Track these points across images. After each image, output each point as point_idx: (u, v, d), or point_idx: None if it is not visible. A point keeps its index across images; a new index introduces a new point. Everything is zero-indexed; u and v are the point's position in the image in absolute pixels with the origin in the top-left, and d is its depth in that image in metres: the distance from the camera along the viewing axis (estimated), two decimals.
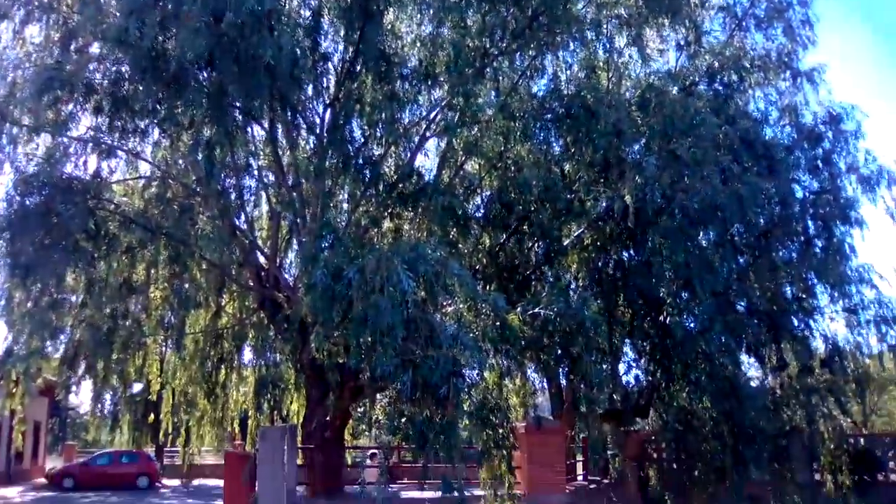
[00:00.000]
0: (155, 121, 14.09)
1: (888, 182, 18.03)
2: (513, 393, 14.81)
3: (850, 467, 18.23)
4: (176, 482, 31.52)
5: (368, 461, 17.47)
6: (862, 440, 21.30)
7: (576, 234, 15.43)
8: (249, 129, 14.96)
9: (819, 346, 17.61)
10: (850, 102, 17.62)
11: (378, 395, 12.29)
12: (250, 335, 19.21)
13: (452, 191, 13.46)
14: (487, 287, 12.76)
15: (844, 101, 17.59)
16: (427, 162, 16.27)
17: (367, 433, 21.10)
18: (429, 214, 13.28)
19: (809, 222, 17.44)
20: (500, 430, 12.71)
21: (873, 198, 18.22)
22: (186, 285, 16.97)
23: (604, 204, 13.45)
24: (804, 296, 17.71)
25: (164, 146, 15.39)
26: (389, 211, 14.17)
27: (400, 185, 13.72)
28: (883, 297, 17.88)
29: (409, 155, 14.63)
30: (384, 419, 12.37)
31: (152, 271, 17.12)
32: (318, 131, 14.53)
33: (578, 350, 11.78)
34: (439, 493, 13.70)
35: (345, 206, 14.58)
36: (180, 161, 14.93)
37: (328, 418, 13.92)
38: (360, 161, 13.57)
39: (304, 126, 14.99)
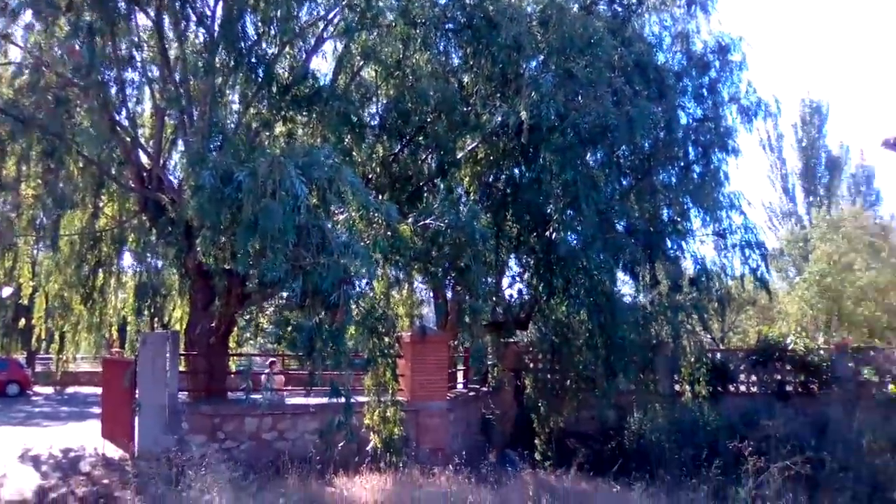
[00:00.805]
0: (27, 0, 12.81)
1: (765, 114, 18.94)
2: (399, 303, 15.00)
3: (706, 379, 19.78)
4: (49, 390, 30.44)
5: (268, 369, 17.41)
6: (718, 354, 23.10)
7: (470, 147, 15.45)
8: (134, 18, 13.89)
9: (689, 266, 18.77)
10: (739, 34, 18.22)
11: (265, 302, 12.13)
12: (131, 238, 18.39)
13: (349, 97, 13.05)
14: (380, 196, 12.65)
15: (733, 33, 18.16)
16: (323, 65, 15.68)
17: (251, 341, 20.87)
18: (324, 120, 12.89)
19: (690, 148, 18.17)
20: (387, 339, 12.95)
21: (750, 128, 19.17)
22: (61, 183, 15.94)
23: (499, 119, 13.46)
24: (679, 219, 18.64)
25: (38, 30, 14.05)
26: (283, 114, 13.65)
27: (294, 88, 13.16)
28: (749, 223, 19.14)
29: (304, 56, 14.03)
30: (269, 326, 12.32)
31: (24, 166, 15.97)
32: (208, 25, 13.63)
33: (467, 262, 11.95)
34: (325, 400, 13.92)
35: (235, 106, 13.91)
36: (56, 48, 13.69)
37: (213, 325, 13.66)
38: (253, 59, 12.89)
39: (194, 18, 14.00)
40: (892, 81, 62.07)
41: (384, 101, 15.03)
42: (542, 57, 13.96)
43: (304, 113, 13.51)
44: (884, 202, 39.07)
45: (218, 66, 12.36)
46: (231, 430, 13.37)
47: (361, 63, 14.78)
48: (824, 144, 41.26)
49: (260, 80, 13.16)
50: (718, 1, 18.21)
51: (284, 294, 10.06)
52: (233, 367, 18.02)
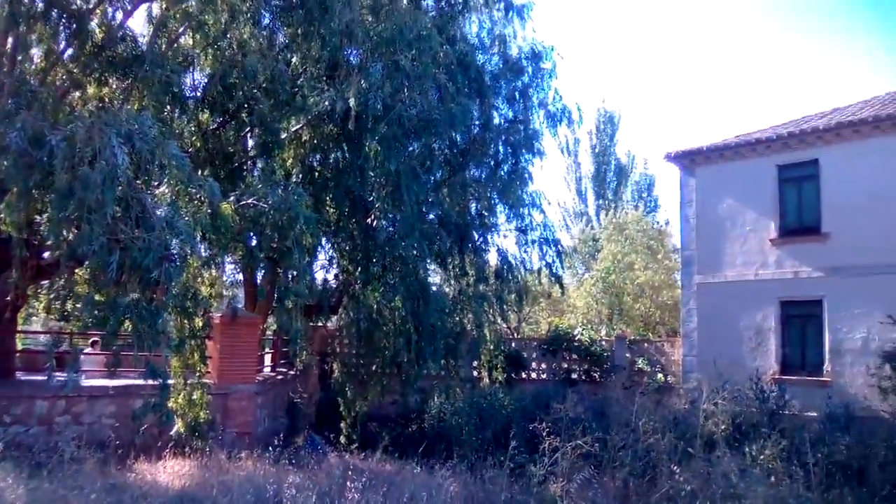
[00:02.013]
0: None
1: (568, 121, 20.38)
2: (210, 283, 14.53)
3: (503, 365, 21.05)
4: None
5: (89, 348, 16.01)
6: (514, 343, 24.65)
7: (295, 128, 15.26)
8: None
9: (493, 259, 19.88)
10: (551, 44, 19.42)
11: (67, 276, 11.25)
12: None
13: (171, 66, 12.36)
14: (200, 172, 12.14)
15: (546, 42, 19.33)
16: (140, 27, 14.72)
17: (35, 316, 19.12)
18: (143, 87, 12.14)
19: (501, 147, 19.18)
20: (197, 320, 12.55)
21: (554, 132, 20.58)
22: None
23: (326, 103, 13.40)
24: (487, 213, 19.66)
25: None
26: (96, 76, 12.67)
27: (110, 49, 12.29)
28: (548, 221, 20.63)
29: (121, 16, 13.09)
30: (57, 302, 11.42)
31: None
32: None
33: (289, 245, 11.86)
34: (127, 382, 13.22)
35: (39, 61, 12.66)
36: None
37: (8, 298, 12.44)
38: (62, 12, 11.84)
39: None
40: (675, 99, 68.83)
41: (208, 73, 14.41)
42: (371, 46, 14.04)
43: (120, 77, 12.66)
44: (661, 209, 43.32)
45: (23, 13, 11.18)
46: (19, 413, 12.33)
47: (182, 30, 14.08)
48: (614, 152, 44.73)
49: (69, 34, 12.12)
50: (534, 9, 19.18)
51: (90, 268, 9.45)
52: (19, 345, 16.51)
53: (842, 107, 21.84)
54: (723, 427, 11.99)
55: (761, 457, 10.66)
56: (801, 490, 9.03)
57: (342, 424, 18.13)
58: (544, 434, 11.16)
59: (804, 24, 65.21)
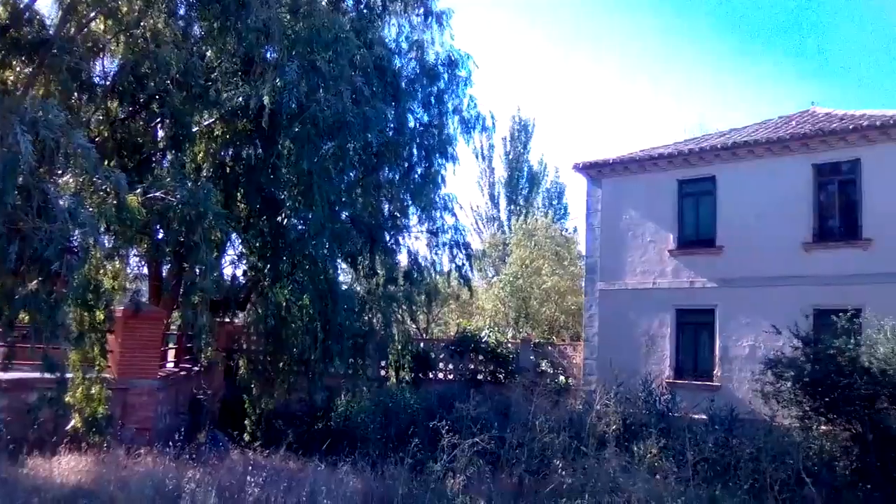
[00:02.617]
0: None
1: (482, 127, 20.93)
2: (113, 275, 14.23)
3: (410, 365, 21.34)
4: None
5: None
6: (422, 344, 24.98)
7: (207, 123, 15.12)
8: None
9: (404, 260, 20.18)
10: (467, 52, 19.88)
11: None
12: None
13: (79, 52, 12.07)
14: (107, 162, 11.92)
15: (463, 49, 19.77)
16: (48, 9, 14.28)
17: None
18: (50, 72, 11.82)
19: (415, 151, 19.51)
20: (99, 313, 12.32)
21: (468, 139, 21.10)
22: None
23: (241, 99, 13.38)
24: (399, 215, 19.96)
25: None
26: (0, 59, 12.23)
27: (14, 30, 11.91)
28: (459, 225, 21.12)
29: None
30: None
31: None
32: None
33: (196, 240, 11.79)
34: (18, 375, 12.80)
35: None
36: None
37: None
38: None
39: None
40: (588, 110, 70.87)
41: (119, 61, 14.11)
42: (288, 45, 14.08)
43: (26, 61, 12.28)
44: (570, 216, 44.59)
45: None
46: None
47: (93, 15, 13.75)
48: (528, 159, 45.84)
49: None
50: (453, 17, 19.58)
51: None
52: None
53: (739, 127, 23.16)
54: (613, 427, 12.64)
55: (648, 455, 11.33)
56: (674, 485, 9.67)
57: (246, 422, 17.99)
58: (445, 432, 11.50)
59: (711, 46, 68.33)
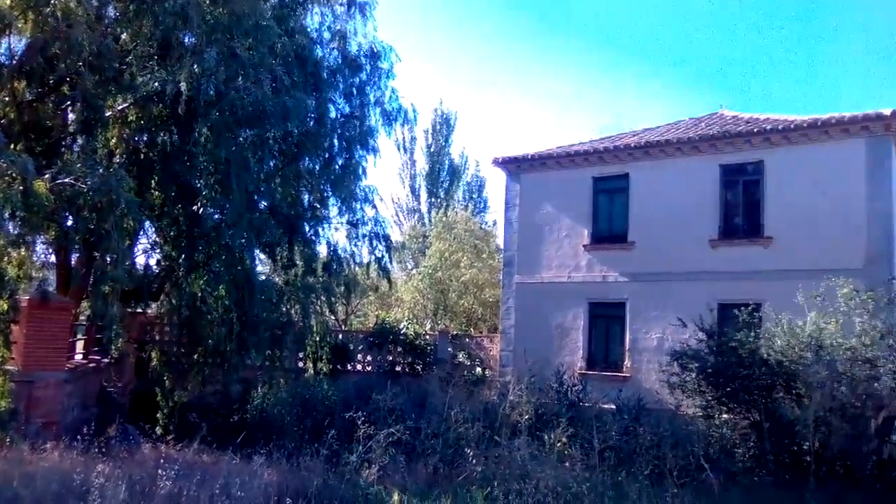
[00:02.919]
0: None
1: (404, 119, 21.02)
2: (18, 263, 13.70)
3: (328, 357, 21.29)
4: None
5: None
6: (340, 335, 24.92)
7: (121, 107, 14.68)
8: None
9: (323, 251, 20.11)
10: (390, 44, 19.89)
11: None
12: None
13: None
14: (14, 146, 11.45)
15: (386, 41, 19.76)
16: None
17: None
18: None
19: (336, 141, 19.46)
20: (2, 302, 11.89)
21: (390, 130, 21.15)
22: None
23: (156, 84, 13.08)
24: (319, 205, 19.88)
25: None
26: None
27: None
28: (379, 216, 21.18)
29: None
30: None
31: None
32: None
33: (108, 228, 11.49)
34: None
35: None
36: None
37: None
38: None
39: None
40: (505, 107, 71.74)
41: (27, 40, 13.52)
42: (207, 30, 13.82)
43: None
44: (490, 210, 45.09)
45: None
46: None
47: None
48: (449, 153, 46.06)
49: None
50: (376, 8, 19.58)
51: None
52: None
53: (652, 128, 23.94)
54: (526, 416, 12.99)
55: (558, 443, 11.72)
56: (580, 472, 10.07)
57: (159, 415, 17.64)
58: (361, 423, 11.59)
59: (629, 47, 70.17)
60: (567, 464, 10.86)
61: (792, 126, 19.25)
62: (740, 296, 17.64)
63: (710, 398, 14.59)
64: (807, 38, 64.91)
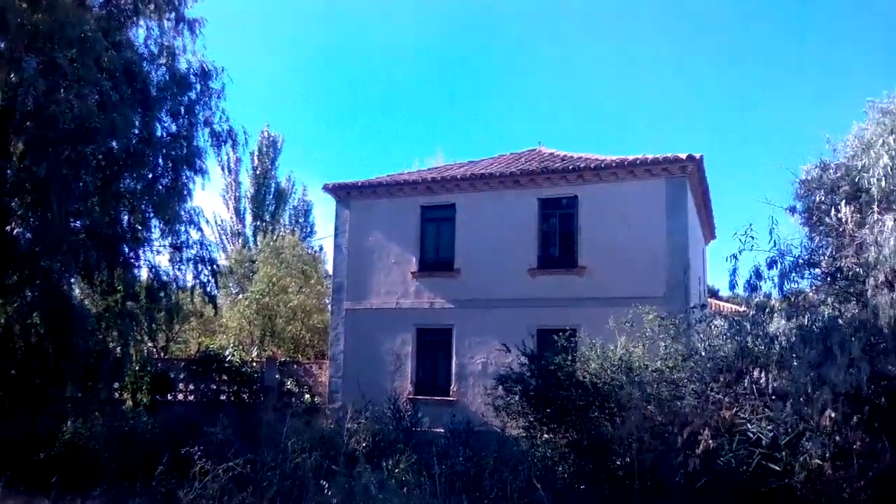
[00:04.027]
0: None
1: (233, 142, 20.57)
2: None
3: (148, 387, 20.18)
4: None
5: None
6: (161, 363, 23.72)
7: None
8: None
9: (144, 275, 19.10)
10: (222, 65, 19.40)
11: None
12: None
13: None
14: None
15: (216, 62, 19.27)
16: None
17: None
18: None
19: (161, 161, 18.65)
20: None
21: (218, 151, 20.61)
22: None
23: None
24: (140, 227, 18.90)
25: None
26: None
27: None
28: (205, 240, 20.50)
29: None
30: None
31: None
32: None
33: None
34: None
35: None
36: None
37: None
38: None
39: None
40: (336, 132, 71.67)
41: None
42: (26, 38, 12.91)
43: None
44: (317, 235, 44.75)
45: None
46: None
47: None
48: (275, 175, 45.30)
49: None
50: (206, 26, 19.03)
51: None
52: None
53: (476, 160, 25.10)
54: (364, 444, 13.08)
55: (396, 470, 11.92)
56: (428, 498, 10.35)
57: None
58: (196, 458, 11.16)
59: (450, 79, 72.72)
60: (405, 490, 11.08)
61: (603, 164, 21.01)
62: (558, 322, 18.85)
63: (532, 419, 15.31)
64: (621, 80, 70.65)
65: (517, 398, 15.40)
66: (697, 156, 20.36)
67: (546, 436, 14.70)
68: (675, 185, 20.52)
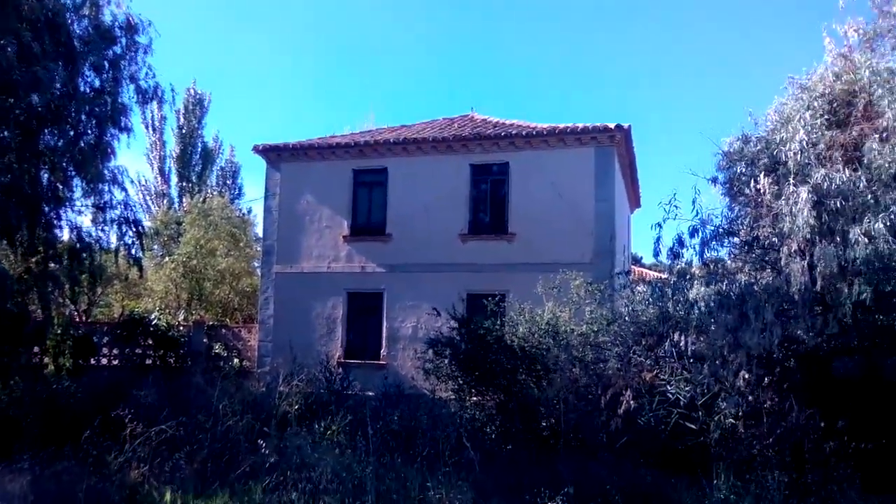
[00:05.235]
0: None
1: (160, 99, 19.99)
2: None
3: (71, 351, 19.71)
4: None
5: None
6: (83, 327, 23.14)
7: None
8: None
9: (66, 236, 18.52)
10: (149, 19, 18.73)
11: None
12: None
13: None
14: None
15: (144, 15, 18.59)
16: None
17: None
18: None
19: (84, 118, 17.98)
20: None
21: (144, 109, 20.02)
22: None
23: None
24: (62, 185, 18.26)
25: None
26: None
27: None
28: (130, 200, 19.97)
29: None
30: None
31: None
32: None
33: None
34: None
35: None
36: None
37: None
38: None
39: None
40: (266, 93, 70.05)
41: None
42: None
43: None
44: (245, 197, 43.91)
45: None
46: None
47: None
48: (203, 135, 43.89)
49: None
50: None
51: None
52: None
53: (410, 124, 25.07)
54: (296, 407, 13.21)
55: (328, 432, 12.11)
56: (362, 457, 10.59)
57: None
58: (126, 421, 11.09)
59: (386, 43, 71.84)
60: (338, 451, 11.28)
61: (534, 132, 21.32)
62: (488, 286, 19.26)
63: (461, 382, 15.68)
64: (555, 46, 71.06)
65: (447, 362, 15.72)
66: (625, 126, 20.85)
67: (475, 398, 15.10)
68: (603, 154, 21.00)
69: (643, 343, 13.48)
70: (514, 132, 21.60)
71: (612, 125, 20.74)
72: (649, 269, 29.14)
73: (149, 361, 22.38)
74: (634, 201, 27.97)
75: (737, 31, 68.01)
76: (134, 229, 19.76)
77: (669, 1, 69.15)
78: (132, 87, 19.04)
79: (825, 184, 10.68)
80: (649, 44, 70.73)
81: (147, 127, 41.68)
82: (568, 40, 69.30)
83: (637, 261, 34.49)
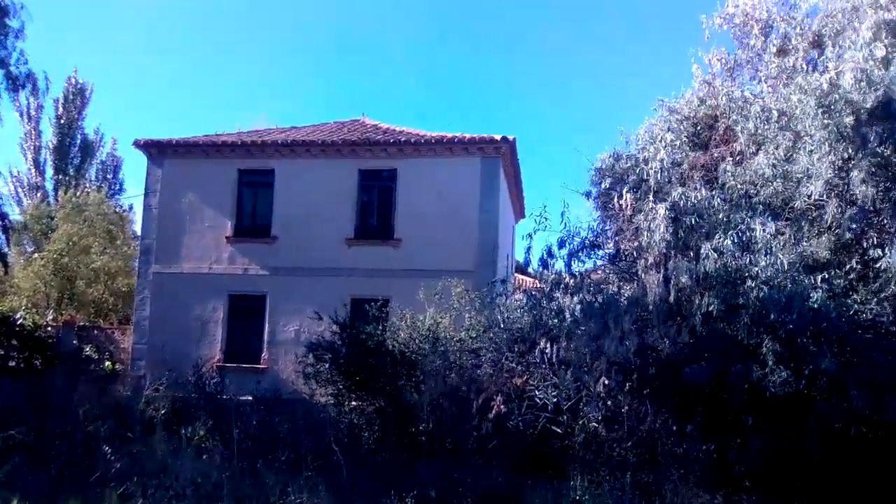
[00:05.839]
0: None
1: (33, 87, 19.10)
2: None
3: None
4: None
5: None
6: None
7: None
8: None
9: None
10: (22, 1, 17.82)
11: None
12: None
13: None
14: None
15: None
16: None
17: None
18: None
19: None
20: None
21: (15, 97, 19.07)
22: None
23: None
24: None
25: None
26: None
27: None
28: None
29: None
30: None
31: None
32: None
33: None
34: None
35: None
36: None
37: None
38: None
39: None
40: (157, 86, 67.54)
41: None
42: None
43: None
44: (126, 193, 41.97)
45: None
46: None
47: None
48: (82, 126, 41.73)
49: None
50: None
51: None
52: None
53: (299, 126, 24.83)
54: (162, 411, 12.86)
55: (196, 437, 11.86)
56: (219, 462, 10.43)
57: None
58: None
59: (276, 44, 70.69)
60: (205, 457, 11.07)
61: (423, 140, 21.58)
62: (372, 292, 19.26)
63: (341, 387, 15.64)
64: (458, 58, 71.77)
65: (327, 366, 15.64)
66: (511, 138, 21.40)
67: (354, 403, 15.11)
68: (489, 164, 21.46)
69: (515, 349, 13.86)
70: (402, 139, 21.77)
71: (497, 137, 21.24)
72: (534, 278, 29.87)
73: (12, 363, 21.18)
74: (519, 212, 28.67)
75: (620, 52, 70.83)
76: (0, 222, 18.79)
77: (559, 20, 71.34)
78: (2, 72, 18.14)
79: (682, 201, 11.35)
80: (541, 58, 72.73)
81: (22, 116, 39.44)
82: (461, 52, 70.39)
83: (523, 270, 35.32)
